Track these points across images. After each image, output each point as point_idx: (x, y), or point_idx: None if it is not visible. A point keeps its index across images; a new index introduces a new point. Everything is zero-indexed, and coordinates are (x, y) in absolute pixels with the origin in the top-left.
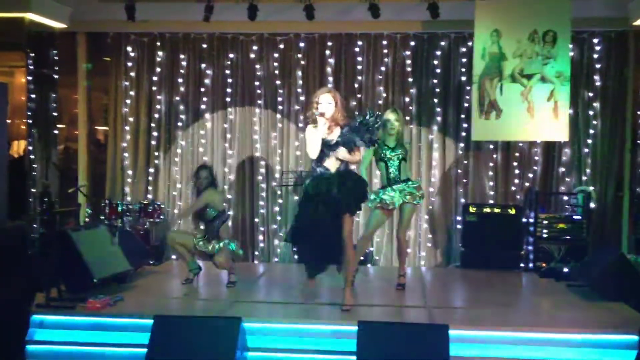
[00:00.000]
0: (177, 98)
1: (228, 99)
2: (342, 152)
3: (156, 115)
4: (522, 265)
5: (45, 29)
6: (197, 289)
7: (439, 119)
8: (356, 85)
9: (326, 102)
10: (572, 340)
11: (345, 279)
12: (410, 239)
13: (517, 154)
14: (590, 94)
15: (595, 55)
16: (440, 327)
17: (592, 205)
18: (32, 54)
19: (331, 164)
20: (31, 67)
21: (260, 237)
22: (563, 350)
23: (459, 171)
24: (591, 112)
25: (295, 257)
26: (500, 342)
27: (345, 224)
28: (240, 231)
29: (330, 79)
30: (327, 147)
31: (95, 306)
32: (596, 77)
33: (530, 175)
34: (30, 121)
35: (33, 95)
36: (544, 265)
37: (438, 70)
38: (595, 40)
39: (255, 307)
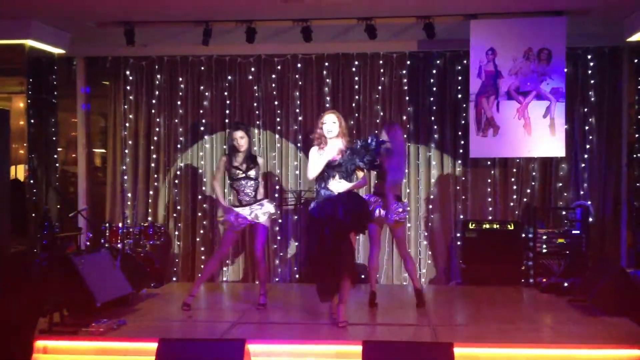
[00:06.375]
0: (176, 120)
1: (227, 120)
2: (344, 184)
3: (155, 138)
4: (522, 280)
5: (45, 55)
6: (199, 311)
7: (436, 136)
8: (354, 105)
9: (331, 122)
10: (577, 356)
11: (340, 295)
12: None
13: (514, 170)
14: (586, 110)
15: (590, 71)
16: (445, 345)
17: (590, 219)
18: (31, 79)
19: (334, 186)
20: (30, 92)
21: None
22: None
23: (458, 188)
24: (587, 128)
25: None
26: (506, 359)
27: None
28: (240, 251)
29: (328, 98)
30: (330, 168)
31: (99, 330)
32: (591, 93)
33: (528, 190)
34: (30, 146)
35: (32, 121)
36: (544, 280)
37: (434, 89)
38: (589, 56)
39: (258, 329)
